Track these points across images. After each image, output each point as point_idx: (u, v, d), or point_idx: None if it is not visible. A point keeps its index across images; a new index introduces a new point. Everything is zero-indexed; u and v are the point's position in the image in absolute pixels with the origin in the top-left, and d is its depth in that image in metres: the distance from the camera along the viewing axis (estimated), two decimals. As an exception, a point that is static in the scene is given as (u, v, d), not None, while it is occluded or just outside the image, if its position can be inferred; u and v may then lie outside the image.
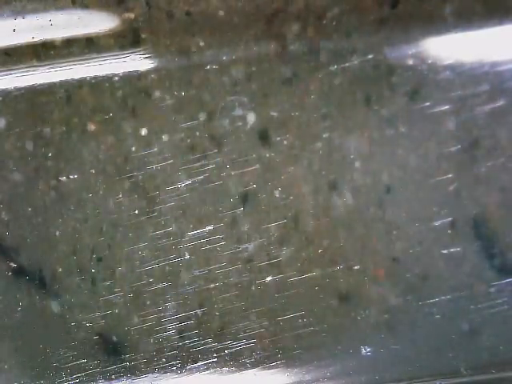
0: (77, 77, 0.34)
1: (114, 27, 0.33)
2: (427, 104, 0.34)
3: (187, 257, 0.35)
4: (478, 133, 0.34)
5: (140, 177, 0.34)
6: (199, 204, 0.34)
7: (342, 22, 0.33)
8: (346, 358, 0.35)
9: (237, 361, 0.35)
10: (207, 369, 0.35)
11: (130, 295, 0.35)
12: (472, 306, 0.35)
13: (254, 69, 0.33)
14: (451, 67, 0.34)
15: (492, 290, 0.35)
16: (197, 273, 0.35)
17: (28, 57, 0.33)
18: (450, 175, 0.34)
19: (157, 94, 0.34)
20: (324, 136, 0.34)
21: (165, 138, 0.34)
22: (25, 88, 0.34)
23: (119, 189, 0.34)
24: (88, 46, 0.33)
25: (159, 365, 0.35)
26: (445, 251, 0.34)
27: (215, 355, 0.35)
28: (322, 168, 0.34)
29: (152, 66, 0.34)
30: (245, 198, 0.34)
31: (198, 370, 0.35)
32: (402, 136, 0.34)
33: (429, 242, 0.34)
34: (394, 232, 0.34)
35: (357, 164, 0.34)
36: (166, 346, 0.35)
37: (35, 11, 0.33)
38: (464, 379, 0.35)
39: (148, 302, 0.35)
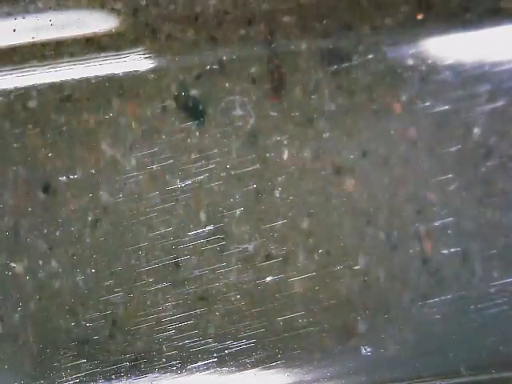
0: (77, 77, 0.34)
1: (113, 27, 0.33)
2: (427, 104, 0.34)
3: (188, 256, 0.35)
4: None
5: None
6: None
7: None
8: (346, 358, 0.35)
9: (237, 361, 0.35)
10: (207, 369, 0.35)
11: (130, 295, 0.35)
12: (472, 306, 0.35)
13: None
14: (451, 67, 0.34)
15: (492, 290, 0.35)
16: (197, 273, 0.35)
17: (28, 57, 0.33)
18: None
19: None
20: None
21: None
22: (25, 88, 0.34)
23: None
24: (88, 46, 0.33)
25: (159, 365, 0.35)
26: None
27: (215, 355, 0.35)
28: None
29: (152, 65, 0.34)
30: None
31: (198, 369, 0.35)
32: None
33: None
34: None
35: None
36: (166, 345, 0.35)
37: (35, 11, 0.33)
38: (464, 379, 0.35)
39: (148, 302, 0.35)
